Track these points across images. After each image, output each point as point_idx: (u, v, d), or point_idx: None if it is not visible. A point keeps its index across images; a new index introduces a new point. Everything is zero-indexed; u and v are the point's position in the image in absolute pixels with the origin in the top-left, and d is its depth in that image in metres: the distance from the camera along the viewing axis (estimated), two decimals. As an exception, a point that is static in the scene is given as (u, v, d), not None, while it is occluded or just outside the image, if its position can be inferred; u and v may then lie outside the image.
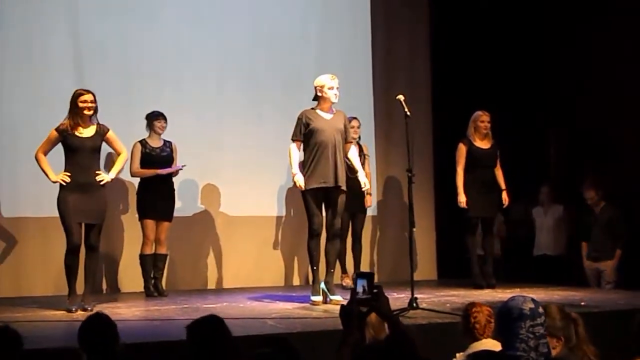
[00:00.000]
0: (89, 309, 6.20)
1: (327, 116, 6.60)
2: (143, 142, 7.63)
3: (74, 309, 6.21)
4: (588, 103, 8.62)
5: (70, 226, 6.28)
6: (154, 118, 7.64)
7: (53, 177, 6.37)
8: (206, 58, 8.56)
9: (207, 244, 8.48)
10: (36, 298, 7.14)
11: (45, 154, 6.45)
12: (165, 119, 7.67)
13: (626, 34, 8.29)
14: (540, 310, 3.28)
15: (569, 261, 8.56)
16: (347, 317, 3.19)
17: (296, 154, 6.66)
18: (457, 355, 3.83)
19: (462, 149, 7.91)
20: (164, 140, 7.70)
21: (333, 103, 6.60)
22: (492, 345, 3.68)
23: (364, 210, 8.22)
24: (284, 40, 8.91)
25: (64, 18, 8.08)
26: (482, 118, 7.94)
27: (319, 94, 6.60)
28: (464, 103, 8.60)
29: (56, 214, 6.45)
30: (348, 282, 8.00)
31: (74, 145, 6.34)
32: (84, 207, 6.32)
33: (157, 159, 7.59)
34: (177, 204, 7.89)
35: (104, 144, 6.57)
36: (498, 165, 7.99)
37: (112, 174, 6.56)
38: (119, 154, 6.65)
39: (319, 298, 6.53)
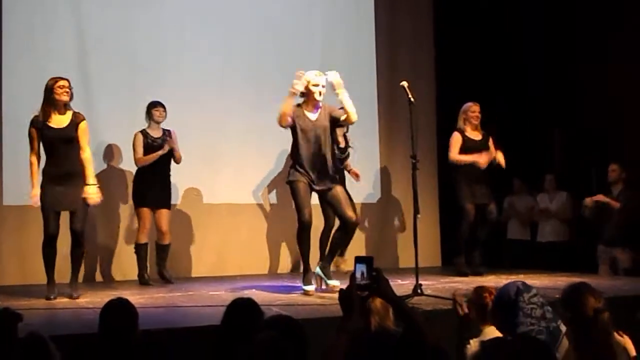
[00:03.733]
0: (75, 296, 6.23)
1: (312, 116, 6.51)
2: (144, 132, 7.61)
3: (52, 297, 6.23)
4: (591, 100, 8.58)
5: (48, 216, 6.27)
6: (153, 107, 7.62)
7: (32, 193, 6.31)
8: (209, 48, 8.56)
9: (208, 233, 8.48)
10: (38, 286, 7.14)
11: (37, 153, 6.36)
12: (163, 107, 7.64)
13: (633, 32, 8.25)
14: (530, 285, 3.43)
15: (574, 248, 8.53)
16: (346, 301, 3.15)
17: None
18: (471, 341, 3.80)
19: (457, 137, 7.93)
20: (163, 130, 7.68)
21: (317, 101, 6.49)
22: (494, 333, 3.65)
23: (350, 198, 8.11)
24: (287, 29, 8.90)
25: (66, 10, 8.08)
26: (473, 109, 7.95)
27: (304, 89, 6.54)
28: (467, 90, 8.59)
29: None
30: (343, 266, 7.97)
31: (48, 138, 6.28)
32: (63, 196, 6.27)
33: (158, 149, 7.57)
34: (178, 192, 7.89)
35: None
36: (498, 152, 7.95)
37: (93, 188, 6.35)
38: (81, 149, 6.36)
39: (312, 287, 6.50)
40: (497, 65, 9.14)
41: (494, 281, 6.71)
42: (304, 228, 6.44)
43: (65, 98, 6.30)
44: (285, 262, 8.75)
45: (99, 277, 8.09)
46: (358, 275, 3.14)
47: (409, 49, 9.49)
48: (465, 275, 7.73)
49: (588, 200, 8.03)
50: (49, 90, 6.30)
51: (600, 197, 7.99)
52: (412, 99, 6.29)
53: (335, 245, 6.65)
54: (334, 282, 6.49)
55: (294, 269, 8.62)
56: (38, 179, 6.33)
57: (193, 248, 8.40)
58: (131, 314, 3.64)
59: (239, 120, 8.53)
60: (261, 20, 8.81)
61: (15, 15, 7.87)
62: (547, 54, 8.97)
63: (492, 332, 3.75)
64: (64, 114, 6.34)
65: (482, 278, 7.35)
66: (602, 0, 8.56)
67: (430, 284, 6.76)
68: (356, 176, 8.13)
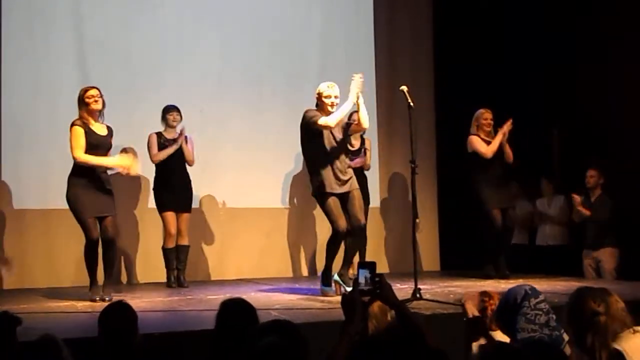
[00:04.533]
0: (108, 299, 6.26)
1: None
2: (159, 134, 7.66)
3: (97, 299, 6.31)
4: (590, 99, 8.59)
5: (87, 221, 6.34)
6: (167, 111, 7.66)
7: (114, 162, 6.46)
8: (208, 51, 8.56)
9: (211, 236, 8.50)
10: (39, 290, 7.16)
11: (85, 152, 6.41)
12: (178, 111, 7.67)
13: (631, 30, 8.26)
14: (538, 290, 3.39)
15: (572, 251, 8.54)
16: (349, 306, 3.16)
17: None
18: (473, 345, 3.80)
19: (478, 139, 7.86)
20: (179, 133, 7.71)
21: (331, 112, 6.47)
22: (501, 336, 3.66)
23: (367, 202, 8.18)
24: (286, 31, 8.90)
25: (65, 12, 8.08)
26: (485, 116, 7.95)
27: (318, 101, 6.57)
28: (467, 96, 8.60)
29: (59, 206, 6.49)
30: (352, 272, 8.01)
31: (93, 142, 6.38)
32: (96, 202, 6.38)
33: (174, 151, 7.59)
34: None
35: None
36: (510, 157, 7.97)
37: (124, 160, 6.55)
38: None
39: (331, 290, 6.53)
40: (496, 69, 9.13)
41: (492, 286, 6.73)
42: (338, 237, 6.46)
43: (97, 107, 6.43)
44: (286, 266, 8.75)
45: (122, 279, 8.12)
46: (361, 280, 3.16)
47: (408, 53, 9.49)
48: (492, 278, 7.69)
49: (577, 198, 8.11)
50: (81, 100, 6.43)
51: (576, 200, 8.09)
52: (411, 104, 6.29)
53: (348, 250, 6.65)
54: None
55: (295, 272, 8.63)
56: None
57: (193, 252, 8.37)
58: (131, 317, 3.64)
59: (238, 122, 8.52)
60: (260, 23, 8.80)
61: (15, 18, 7.87)
62: (547, 55, 8.95)
63: (493, 336, 3.76)
64: (101, 124, 6.51)
65: (484, 282, 7.37)
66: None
67: (429, 288, 6.75)
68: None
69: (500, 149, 7.85)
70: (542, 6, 8.98)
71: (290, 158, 8.61)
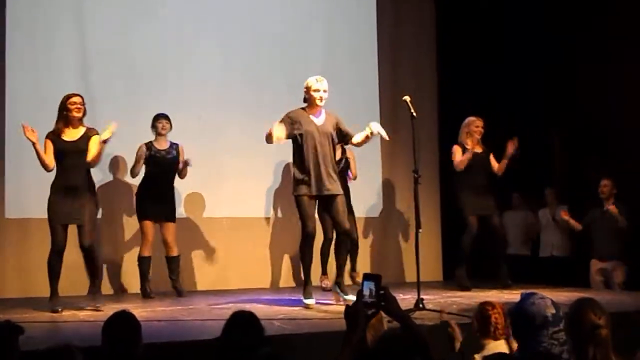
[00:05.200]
0: (99, 306, 6.28)
1: (317, 120, 6.53)
2: (149, 145, 7.63)
3: (59, 309, 6.27)
4: (591, 102, 8.58)
5: (55, 228, 6.37)
6: (156, 119, 7.65)
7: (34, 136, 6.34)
8: (209, 57, 8.57)
9: (209, 246, 8.48)
10: (40, 299, 7.14)
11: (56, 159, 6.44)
12: (167, 119, 7.65)
13: (633, 32, 8.26)
14: (561, 313, 3.20)
15: (575, 262, 8.52)
16: (352, 318, 3.15)
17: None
18: (476, 356, 3.79)
19: (458, 149, 7.99)
20: (171, 142, 7.69)
21: (319, 106, 6.51)
22: (503, 347, 3.64)
23: (352, 211, 8.12)
24: (288, 38, 8.92)
25: (68, 21, 8.11)
26: (477, 123, 8.02)
27: (306, 95, 6.56)
28: (470, 104, 8.59)
29: (38, 215, 6.56)
30: (327, 283, 7.98)
31: (60, 149, 6.41)
32: (70, 209, 6.37)
33: (162, 161, 7.58)
34: (179, 205, 7.91)
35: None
36: (496, 167, 8.01)
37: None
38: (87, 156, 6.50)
39: (312, 301, 6.50)
40: (499, 76, 9.13)
41: (495, 296, 6.70)
42: (307, 239, 6.46)
43: (77, 114, 6.46)
44: (288, 275, 8.73)
45: (103, 289, 8.07)
46: (366, 292, 3.15)
47: (411, 62, 9.50)
48: (467, 289, 7.72)
49: (564, 216, 8.16)
50: (63, 107, 6.45)
51: (564, 216, 8.13)
52: (414, 114, 6.29)
53: (337, 257, 6.65)
54: (351, 297, 6.47)
55: (296, 282, 8.61)
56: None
57: (194, 261, 8.39)
58: (134, 326, 3.63)
59: (240, 130, 8.50)
60: (262, 30, 8.82)
61: (18, 28, 7.90)
62: (548, 57, 8.95)
63: (495, 347, 3.74)
64: (77, 128, 6.49)
65: (487, 293, 7.34)
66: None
67: (432, 299, 6.74)
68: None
69: (488, 159, 7.98)
70: (542, 8, 8.97)
71: (291, 166, 8.60)
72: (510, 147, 7.86)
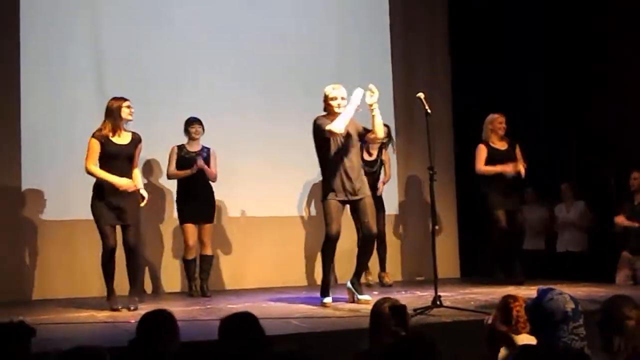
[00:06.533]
0: (132, 308, 6.37)
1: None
2: (181, 146, 7.72)
3: (119, 308, 6.40)
4: (608, 100, 8.54)
5: (105, 229, 6.44)
6: (189, 124, 7.72)
7: (119, 182, 6.42)
8: (223, 63, 8.60)
9: (230, 245, 8.52)
10: (60, 301, 7.20)
11: (95, 164, 6.48)
12: (200, 123, 7.72)
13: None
14: (580, 308, 3.20)
15: (592, 257, 8.48)
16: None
17: None
18: (501, 349, 3.78)
19: (482, 149, 8.02)
20: (202, 146, 7.76)
21: (339, 113, 6.47)
22: (528, 340, 3.63)
23: (382, 209, 8.18)
24: (301, 42, 8.93)
25: (82, 28, 8.15)
26: (500, 120, 8.06)
27: (325, 104, 6.58)
28: (484, 102, 8.59)
29: (80, 216, 6.66)
30: (370, 278, 8.03)
31: (112, 152, 6.46)
32: (118, 210, 6.47)
33: (193, 163, 7.63)
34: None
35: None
36: (520, 162, 7.99)
37: (143, 192, 6.69)
38: (134, 165, 6.68)
39: (329, 299, 6.52)
40: (512, 75, 9.11)
41: (513, 292, 6.68)
42: (329, 241, 6.48)
43: (131, 117, 6.56)
44: (305, 274, 8.75)
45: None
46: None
47: (424, 60, 9.50)
48: (502, 283, 7.69)
49: (619, 221, 8.00)
50: (117, 109, 6.49)
51: (623, 222, 7.96)
52: (428, 111, 6.28)
53: (359, 257, 6.68)
54: (366, 297, 6.51)
55: (313, 281, 8.62)
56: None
57: (212, 261, 8.42)
58: (170, 324, 3.63)
59: (255, 133, 8.54)
60: (276, 34, 8.83)
61: (32, 34, 7.93)
62: (565, 59, 8.92)
63: (521, 340, 3.72)
64: (125, 132, 6.57)
65: (496, 288, 7.34)
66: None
67: (450, 296, 6.73)
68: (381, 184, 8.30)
69: (513, 157, 7.96)
70: (556, 10, 8.95)
71: (306, 167, 8.61)
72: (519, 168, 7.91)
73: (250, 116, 8.56)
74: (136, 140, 6.62)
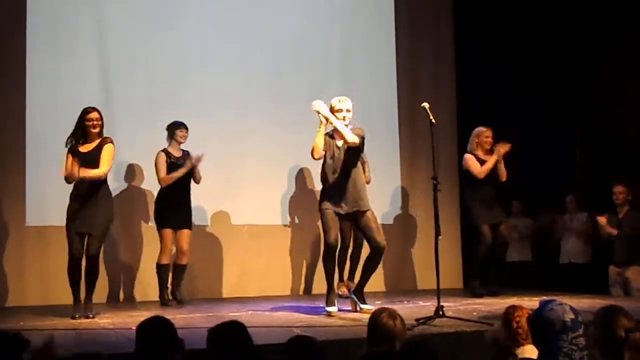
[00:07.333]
0: (91, 316, 6.39)
1: (339, 142, 6.54)
2: (166, 152, 7.65)
3: (77, 316, 6.39)
4: (614, 106, 8.54)
5: (70, 236, 6.49)
6: (177, 127, 7.66)
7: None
8: (228, 65, 8.62)
9: (230, 253, 8.51)
10: (59, 306, 7.19)
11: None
12: (186, 128, 7.69)
13: None
14: (580, 319, 3.20)
15: (595, 268, 8.47)
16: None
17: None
18: None
19: (473, 158, 8.05)
20: (182, 150, 7.73)
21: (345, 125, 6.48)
22: (531, 351, 3.61)
23: None
24: (307, 48, 8.94)
25: (88, 30, 8.18)
26: (487, 134, 8.11)
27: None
28: (489, 112, 8.59)
29: (54, 223, 6.73)
30: (344, 290, 7.95)
31: (77, 160, 6.47)
32: (83, 218, 6.46)
33: (179, 169, 7.60)
34: (199, 213, 7.93)
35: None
36: (504, 176, 8.02)
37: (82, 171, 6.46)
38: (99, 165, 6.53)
39: (334, 309, 6.51)
40: (519, 85, 9.11)
41: (515, 303, 6.66)
42: (328, 250, 6.48)
43: (93, 131, 6.55)
44: (307, 283, 8.74)
45: (120, 296, 8.12)
46: None
47: (429, 70, 9.52)
48: (481, 296, 7.72)
49: (602, 221, 8.02)
50: (80, 122, 6.55)
51: (601, 221, 8.01)
52: (433, 121, 6.27)
53: (366, 270, 6.66)
54: (368, 307, 6.49)
55: (316, 290, 8.61)
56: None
57: (214, 269, 8.41)
58: (170, 331, 3.61)
59: (259, 138, 8.55)
60: (282, 39, 8.85)
61: (38, 37, 7.96)
62: (575, 67, 8.92)
63: (521, 353, 3.71)
64: (95, 140, 6.57)
65: (498, 299, 7.33)
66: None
67: (452, 306, 6.72)
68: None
69: (495, 168, 7.95)
70: (568, 7, 8.92)
71: (311, 174, 8.62)
72: (502, 149, 7.86)
73: (255, 120, 8.59)
74: (102, 143, 6.56)
